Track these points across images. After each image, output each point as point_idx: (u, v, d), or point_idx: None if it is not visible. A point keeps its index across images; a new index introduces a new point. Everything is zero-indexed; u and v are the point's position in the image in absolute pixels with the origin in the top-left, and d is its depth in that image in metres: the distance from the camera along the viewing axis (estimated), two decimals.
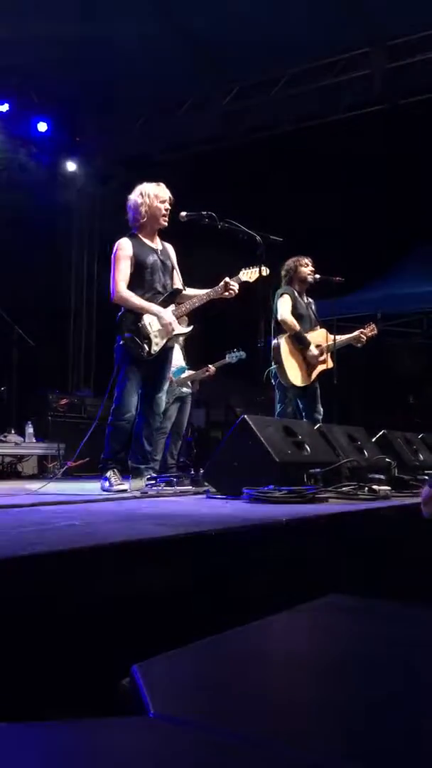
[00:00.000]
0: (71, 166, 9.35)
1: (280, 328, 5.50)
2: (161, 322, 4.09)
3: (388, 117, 7.72)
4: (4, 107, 8.27)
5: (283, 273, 5.68)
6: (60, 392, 8.05)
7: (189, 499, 3.42)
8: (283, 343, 5.46)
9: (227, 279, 4.24)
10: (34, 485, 4.36)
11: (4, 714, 1.15)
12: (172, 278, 4.30)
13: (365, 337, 5.81)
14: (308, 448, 3.50)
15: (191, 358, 6.26)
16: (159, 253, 4.23)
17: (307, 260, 5.71)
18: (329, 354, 5.61)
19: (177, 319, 4.21)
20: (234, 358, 6.35)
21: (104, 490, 3.94)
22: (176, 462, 6.13)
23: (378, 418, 6.67)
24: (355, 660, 1.14)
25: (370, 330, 5.84)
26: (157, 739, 0.81)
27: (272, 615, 1.34)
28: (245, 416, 3.34)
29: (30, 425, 6.87)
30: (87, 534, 1.81)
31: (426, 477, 3.79)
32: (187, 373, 6.09)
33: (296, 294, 5.64)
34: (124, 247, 4.13)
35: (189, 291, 4.30)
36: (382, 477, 3.59)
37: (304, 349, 5.51)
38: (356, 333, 5.82)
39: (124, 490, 3.91)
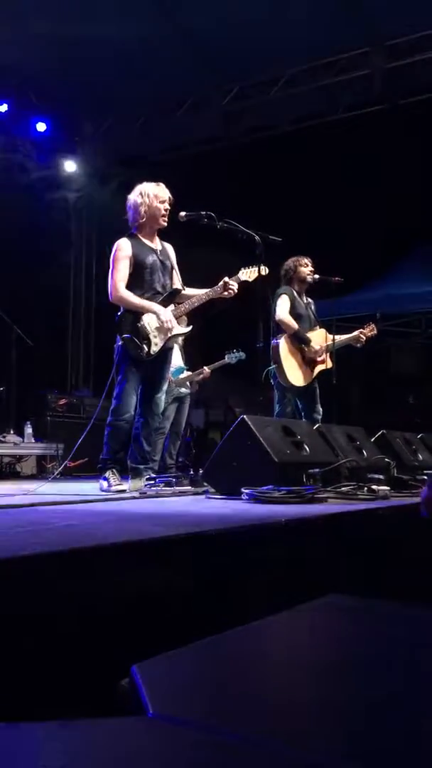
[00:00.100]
0: (70, 166, 9.32)
1: (280, 328, 5.50)
2: (160, 319, 4.09)
3: (388, 117, 7.73)
4: (3, 107, 8.26)
5: (282, 273, 5.69)
6: (59, 392, 8.04)
7: (188, 499, 3.42)
8: (282, 343, 5.46)
9: (226, 279, 4.24)
10: (32, 485, 4.35)
11: (3, 714, 1.15)
12: (171, 278, 4.30)
13: (364, 338, 5.82)
14: (307, 448, 3.50)
15: (190, 358, 6.25)
16: (158, 253, 4.23)
17: (306, 260, 5.71)
18: (328, 354, 5.61)
19: (176, 318, 4.20)
20: (233, 358, 6.33)
21: (103, 491, 3.94)
22: (175, 462, 6.13)
23: (377, 418, 6.66)
24: (354, 660, 1.14)
25: (370, 330, 5.85)
26: (156, 739, 0.81)
27: (272, 615, 1.34)
28: (244, 416, 3.34)
29: (29, 425, 6.86)
30: (86, 534, 1.81)
31: (425, 477, 3.80)
32: (186, 373, 6.08)
33: (295, 294, 5.64)
34: (123, 248, 4.12)
35: (188, 291, 4.30)
36: (381, 477, 3.59)
37: (304, 347, 5.51)
38: (355, 333, 5.82)
39: (123, 491, 3.91)
